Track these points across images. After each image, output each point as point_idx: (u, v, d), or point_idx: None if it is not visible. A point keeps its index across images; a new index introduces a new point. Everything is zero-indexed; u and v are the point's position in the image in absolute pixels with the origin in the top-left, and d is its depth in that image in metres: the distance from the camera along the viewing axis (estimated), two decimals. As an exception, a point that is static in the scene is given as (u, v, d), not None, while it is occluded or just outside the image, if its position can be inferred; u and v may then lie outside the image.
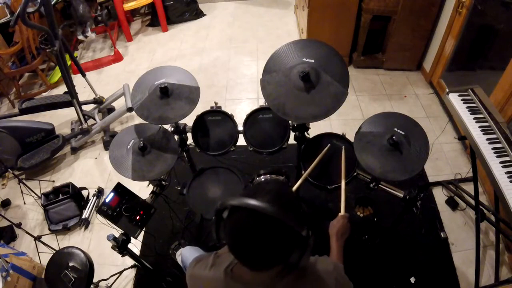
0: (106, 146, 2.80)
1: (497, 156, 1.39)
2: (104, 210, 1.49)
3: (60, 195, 2.37)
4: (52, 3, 2.50)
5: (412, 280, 1.89)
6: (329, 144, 1.63)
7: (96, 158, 2.76)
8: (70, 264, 1.68)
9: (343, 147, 1.59)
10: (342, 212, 1.32)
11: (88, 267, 1.68)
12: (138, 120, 1.65)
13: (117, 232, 1.49)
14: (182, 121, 1.65)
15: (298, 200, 0.82)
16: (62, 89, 3.38)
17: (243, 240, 0.75)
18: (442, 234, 2.04)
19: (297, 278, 0.85)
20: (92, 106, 3.01)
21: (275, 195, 0.76)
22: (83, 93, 3.18)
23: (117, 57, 3.73)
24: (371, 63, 3.24)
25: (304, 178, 1.50)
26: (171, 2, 4.02)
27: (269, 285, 0.84)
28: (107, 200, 1.51)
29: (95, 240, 2.25)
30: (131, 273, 2.06)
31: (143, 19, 4.42)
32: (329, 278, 0.90)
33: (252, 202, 0.71)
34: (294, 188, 1.44)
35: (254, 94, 3.14)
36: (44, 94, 3.42)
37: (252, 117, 1.74)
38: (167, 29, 4.10)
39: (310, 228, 0.76)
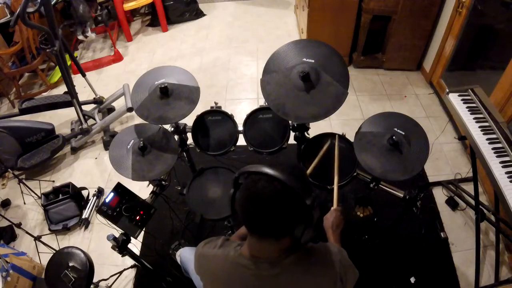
0: (106, 146, 2.80)
1: (497, 156, 1.39)
2: (104, 210, 1.49)
3: (60, 195, 2.37)
4: (52, 3, 2.49)
5: (412, 280, 1.89)
6: (329, 140, 1.63)
7: (96, 158, 2.76)
8: (70, 264, 1.68)
9: (336, 135, 1.60)
10: (335, 205, 1.35)
11: (88, 267, 1.67)
12: (138, 120, 1.65)
13: (117, 232, 1.49)
14: (182, 121, 1.65)
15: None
16: (62, 89, 3.38)
17: (253, 202, 0.82)
18: (442, 234, 2.05)
19: (303, 255, 0.89)
20: (92, 106, 3.01)
21: (288, 167, 0.84)
22: (83, 93, 3.18)
23: (117, 57, 3.73)
24: (371, 63, 3.24)
25: (316, 163, 1.51)
26: (171, 2, 4.02)
27: (276, 261, 0.87)
28: (107, 200, 1.51)
29: (95, 240, 2.25)
30: (131, 273, 2.06)
31: (143, 19, 4.42)
32: (334, 258, 0.94)
33: (266, 169, 0.80)
34: (308, 172, 1.47)
35: (254, 94, 3.14)
36: (44, 94, 3.42)
37: (252, 117, 1.74)
38: (167, 29, 4.10)
39: (316, 201, 0.83)
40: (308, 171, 1.51)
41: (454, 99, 1.62)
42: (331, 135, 1.70)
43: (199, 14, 4.26)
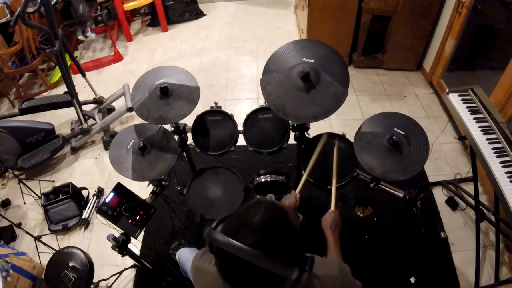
0: (106, 146, 2.80)
1: (497, 156, 1.39)
2: (104, 210, 1.49)
3: (60, 195, 2.37)
4: (52, 3, 2.50)
5: (412, 280, 1.89)
6: (325, 134, 1.61)
7: (96, 158, 2.76)
8: (70, 264, 1.68)
9: (336, 141, 1.59)
10: (333, 208, 1.34)
11: (88, 267, 1.67)
12: (138, 120, 1.65)
13: (117, 232, 1.49)
14: (182, 121, 1.65)
15: (294, 229, 0.76)
16: (62, 89, 3.38)
17: (230, 274, 0.73)
18: (442, 234, 2.05)
19: (303, 281, 0.83)
20: (92, 106, 3.01)
21: (262, 235, 0.70)
22: (83, 93, 3.18)
23: (117, 57, 3.73)
24: (371, 63, 3.24)
25: (308, 174, 1.49)
26: (171, 2, 4.02)
27: None
28: (107, 200, 1.51)
29: (95, 240, 2.25)
30: (131, 273, 2.06)
31: (143, 19, 4.42)
32: (334, 284, 0.89)
33: (234, 243, 0.68)
34: (298, 190, 1.42)
35: (254, 94, 3.14)
36: (44, 94, 3.42)
37: (252, 117, 1.74)
38: (167, 29, 4.10)
39: (305, 261, 0.72)
40: (306, 174, 1.49)
41: (454, 99, 1.62)
42: (331, 135, 1.70)
43: (199, 14, 4.26)
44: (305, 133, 1.69)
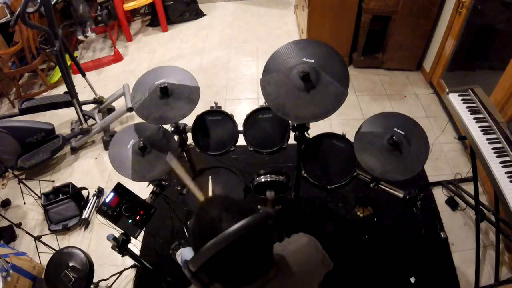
0: (106, 146, 2.80)
1: (497, 156, 1.39)
2: (104, 210, 1.49)
3: (60, 195, 2.37)
4: (52, 3, 2.50)
5: (412, 280, 1.89)
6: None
7: (96, 158, 2.76)
8: (70, 264, 1.68)
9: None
10: None
11: (88, 267, 1.67)
12: (138, 120, 1.65)
13: (117, 232, 1.49)
14: (182, 121, 1.65)
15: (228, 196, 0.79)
16: (62, 89, 3.38)
17: (235, 272, 0.72)
18: (442, 234, 2.04)
19: (282, 261, 0.84)
20: (92, 106, 3.01)
21: (224, 211, 0.72)
22: (83, 93, 3.18)
23: (117, 57, 3.73)
24: (371, 63, 3.24)
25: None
26: (171, 2, 4.02)
27: (260, 285, 0.80)
28: (107, 200, 1.51)
29: (95, 240, 2.25)
30: (131, 273, 2.06)
31: (143, 19, 4.42)
32: (309, 250, 0.91)
33: (213, 241, 0.65)
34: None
35: (254, 94, 3.14)
36: (44, 94, 3.42)
37: (252, 117, 1.74)
38: (167, 29, 4.10)
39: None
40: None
41: (454, 99, 1.62)
42: (331, 135, 1.70)
43: (199, 14, 4.26)
44: (305, 133, 1.69)
